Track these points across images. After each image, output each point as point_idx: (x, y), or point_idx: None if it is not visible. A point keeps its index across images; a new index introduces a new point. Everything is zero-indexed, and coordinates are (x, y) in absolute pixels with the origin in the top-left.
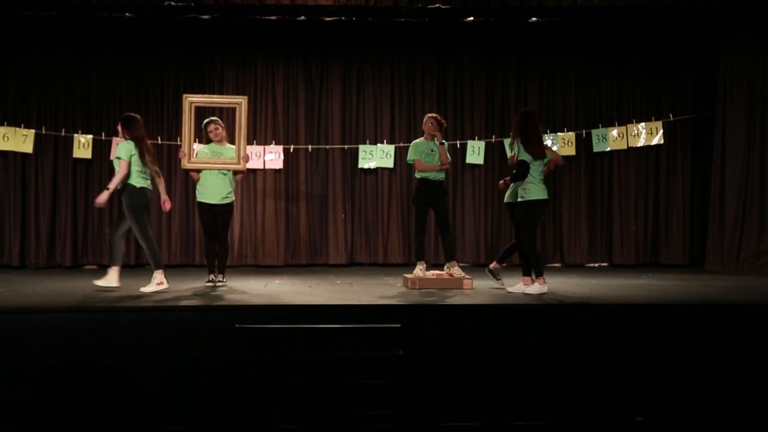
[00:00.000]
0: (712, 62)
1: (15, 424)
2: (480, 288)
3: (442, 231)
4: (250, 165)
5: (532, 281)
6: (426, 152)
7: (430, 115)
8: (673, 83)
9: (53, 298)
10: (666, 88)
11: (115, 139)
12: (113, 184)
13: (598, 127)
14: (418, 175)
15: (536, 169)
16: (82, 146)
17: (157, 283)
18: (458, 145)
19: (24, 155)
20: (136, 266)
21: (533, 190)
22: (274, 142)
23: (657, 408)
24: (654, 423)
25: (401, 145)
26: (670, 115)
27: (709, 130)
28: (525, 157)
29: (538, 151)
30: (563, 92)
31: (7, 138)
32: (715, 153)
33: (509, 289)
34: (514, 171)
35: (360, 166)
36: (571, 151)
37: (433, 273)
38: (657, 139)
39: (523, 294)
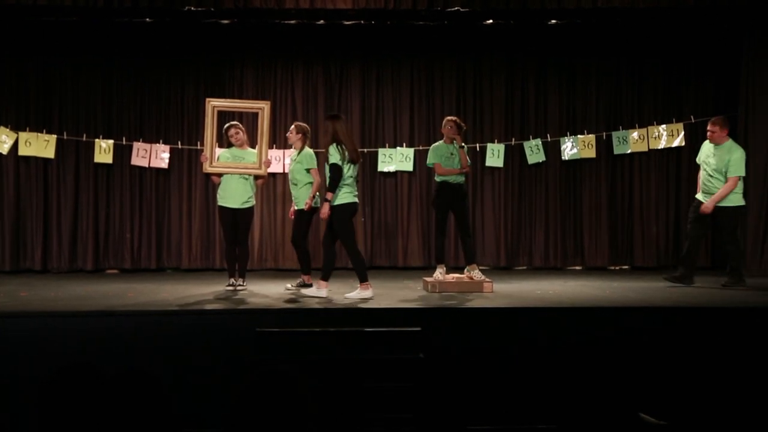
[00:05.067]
0: (734, 63)
1: (33, 428)
2: (500, 291)
3: (462, 234)
4: (271, 169)
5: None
6: (446, 156)
7: (449, 118)
8: (695, 84)
9: (75, 302)
10: (687, 90)
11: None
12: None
13: (619, 129)
14: (438, 179)
15: (346, 174)
16: (103, 151)
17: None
18: (478, 148)
19: (46, 160)
20: (156, 270)
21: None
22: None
23: (677, 412)
24: (677, 427)
25: (421, 148)
26: (692, 117)
27: (731, 131)
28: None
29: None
30: (583, 94)
31: (29, 143)
32: None
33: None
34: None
35: (379, 169)
36: (591, 153)
37: (453, 276)
38: (678, 141)
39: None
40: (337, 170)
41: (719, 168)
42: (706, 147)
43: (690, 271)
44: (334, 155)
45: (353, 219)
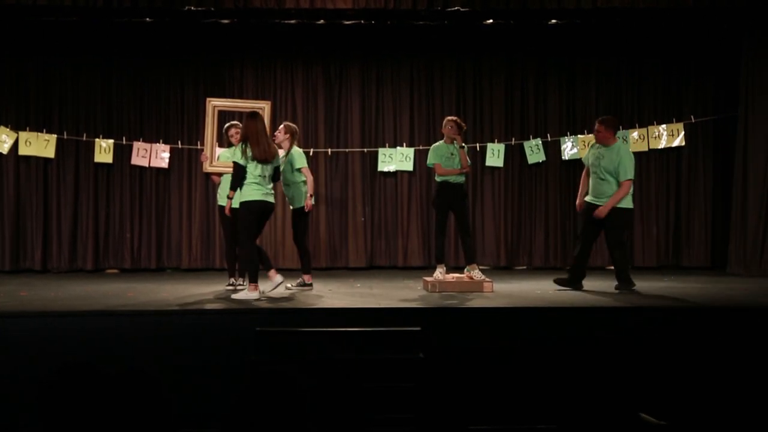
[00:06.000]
0: (733, 63)
1: (33, 428)
2: (500, 291)
3: (462, 234)
4: None
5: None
6: (446, 156)
7: (450, 118)
8: (695, 84)
9: (75, 301)
10: (687, 90)
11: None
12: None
13: (619, 129)
14: (438, 179)
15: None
16: (104, 151)
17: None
18: (478, 148)
19: (46, 160)
20: (156, 270)
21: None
22: None
23: (677, 412)
24: (677, 427)
25: (421, 148)
26: (692, 117)
27: (731, 131)
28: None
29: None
30: (583, 94)
31: (30, 143)
32: (737, 154)
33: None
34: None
35: (379, 169)
36: None
37: (453, 276)
38: (678, 141)
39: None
40: (236, 169)
41: (609, 170)
42: (594, 149)
43: (579, 275)
44: (236, 154)
45: (261, 218)
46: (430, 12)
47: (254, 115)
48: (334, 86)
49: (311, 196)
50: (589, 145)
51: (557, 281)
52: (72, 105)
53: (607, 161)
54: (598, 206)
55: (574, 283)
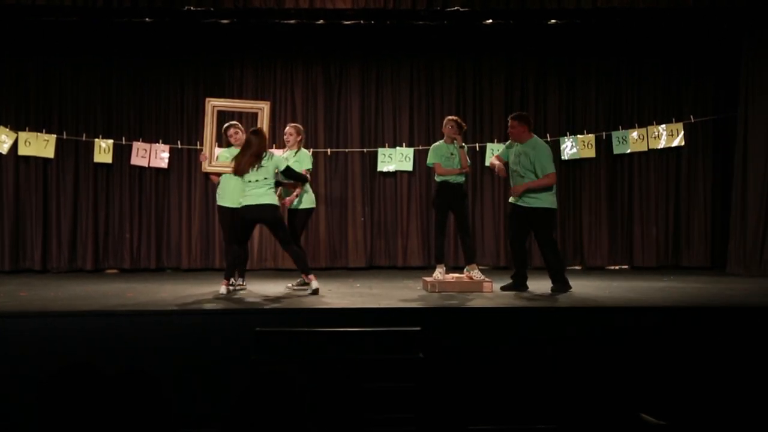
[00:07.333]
0: (733, 62)
1: (33, 428)
2: (500, 291)
3: (462, 234)
4: None
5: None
6: (446, 156)
7: (450, 117)
8: (694, 84)
9: (75, 301)
10: (687, 90)
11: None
12: None
13: (618, 129)
14: (437, 179)
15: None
16: (103, 151)
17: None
18: (477, 148)
19: (46, 160)
20: (156, 270)
21: None
22: None
23: (677, 412)
24: (677, 427)
25: (420, 148)
26: (691, 117)
27: (730, 131)
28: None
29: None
30: (583, 94)
31: (29, 143)
32: (737, 154)
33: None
34: None
35: (379, 169)
36: (591, 153)
37: (452, 276)
38: (678, 141)
39: None
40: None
41: (528, 167)
42: (513, 148)
43: (522, 278)
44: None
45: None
46: (429, 12)
47: (256, 132)
48: (333, 86)
49: (297, 195)
50: (506, 145)
51: (503, 288)
52: (72, 105)
53: (524, 158)
54: (522, 207)
55: (520, 286)
